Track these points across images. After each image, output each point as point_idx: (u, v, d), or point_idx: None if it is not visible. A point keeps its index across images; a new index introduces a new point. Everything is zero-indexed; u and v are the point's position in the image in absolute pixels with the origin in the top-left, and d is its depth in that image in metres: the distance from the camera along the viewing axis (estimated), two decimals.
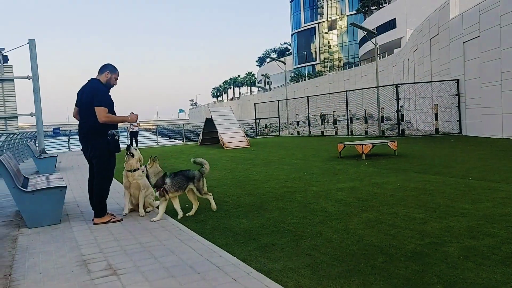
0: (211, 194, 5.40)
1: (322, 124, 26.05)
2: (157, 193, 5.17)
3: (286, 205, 5.62)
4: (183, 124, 27.84)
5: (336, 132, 24.13)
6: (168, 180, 5.18)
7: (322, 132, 25.38)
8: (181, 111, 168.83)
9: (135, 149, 5.51)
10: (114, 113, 5.10)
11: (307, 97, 26.58)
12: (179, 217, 5.11)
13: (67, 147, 22.53)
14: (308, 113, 26.23)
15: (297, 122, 27.68)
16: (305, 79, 70.97)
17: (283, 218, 4.93)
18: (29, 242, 4.45)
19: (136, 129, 20.85)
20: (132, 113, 5.27)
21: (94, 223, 5.10)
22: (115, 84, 5.30)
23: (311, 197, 6.10)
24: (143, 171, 5.33)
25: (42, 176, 6.53)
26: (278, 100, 30.26)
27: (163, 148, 19.78)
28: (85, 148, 5.17)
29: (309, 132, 26.23)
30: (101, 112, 4.93)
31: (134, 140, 20.69)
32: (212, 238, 4.27)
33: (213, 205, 5.42)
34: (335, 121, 24.47)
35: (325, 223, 4.62)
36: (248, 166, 10.45)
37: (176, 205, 5.26)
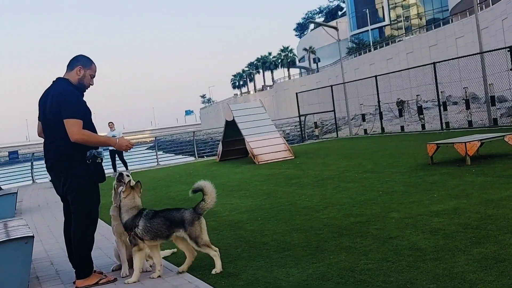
0: (216, 249, 5.23)
1: (401, 115, 25.79)
2: (128, 238, 5.28)
3: (355, 243, 5.61)
4: (193, 131, 28.33)
5: (423, 126, 23.83)
6: (141, 222, 5.19)
7: (402, 127, 25.13)
8: (188, 112, 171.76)
9: (128, 175, 5.62)
10: (92, 127, 5.24)
11: (375, 76, 26.40)
12: (131, 281, 5.16)
13: (30, 178, 23.33)
14: (379, 101, 26.05)
15: (363, 116, 27.54)
16: (369, 50, 70.52)
17: (353, 263, 4.91)
18: None
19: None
20: (122, 137, 5.38)
21: (77, 287, 5.19)
22: (92, 84, 5.47)
23: (392, 228, 6.07)
24: (121, 195, 5.35)
25: None
26: (331, 86, 30.25)
27: (166, 170, 20.18)
28: (56, 179, 5.31)
29: (382, 129, 26.00)
30: (73, 127, 5.02)
31: (119, 161, 21.05)
32: None
33: (218, 266, 5.17)
34: (420, 110, 24.17)
35: (417, 267, 4.58)
36: (294, 187, 10.48)
37: (156, 258, 5.28)
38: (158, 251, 5.38)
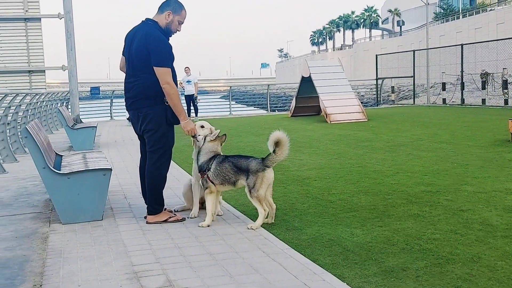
0: (266, 209, 5.18)
1: (483, 88, 24.80)
2: (200, 181, 5.39)
3: (424, 212, 5.58)
4: (268, 85, 28.26)
5: (506, 102, 22.85)
6: (213, 165, 5.30)
7: (483, 100, 24.20)
8: (264, 65, 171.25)
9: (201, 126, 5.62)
10: (174, 72, 5.36)
11: (461, 45, 25.40)
12: (205, 224, 5.21)
13: (109, 115, 24.16)
14: (462, 71, 25.10)
15: (443, 84, 26.69)
16: (457, 17, 67.67)
17: (420, 231, 4.89)
18: (64, 243, 4.89)
19: (191, 90, 21.19)
20: (189, 121, 5.32)
21: (147, 222, 5.44)
22: (179, 30, 5.53)
23: (463, 201, 5.99)
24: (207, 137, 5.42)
25: (79, 154, 7.12)
26: (413, 50, 29.35)
27: (238, 120, 20.44)
28: (134, 117, 5.48)
29: (462, 100, 25.17)
30: (165, 76, 5.19)
31: (192, 107, 21.34)
32: (311, 254, 4.37)
33: (256, 224, 5.14)
34: (505, 84, 23.14)
35: (486, 242, 4.52)
36: (365, 150, 10.44)
37: (210, 204, 5.26)
38: (216, 199, 5.46)
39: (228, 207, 6.04)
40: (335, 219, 5.39)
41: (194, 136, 5.43)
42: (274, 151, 5.10)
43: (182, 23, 5.50)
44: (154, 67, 5.17)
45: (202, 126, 5.52)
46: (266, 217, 5.23)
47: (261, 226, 5.15)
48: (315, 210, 5.82)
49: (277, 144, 5.12)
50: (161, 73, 5.18)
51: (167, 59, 5.23)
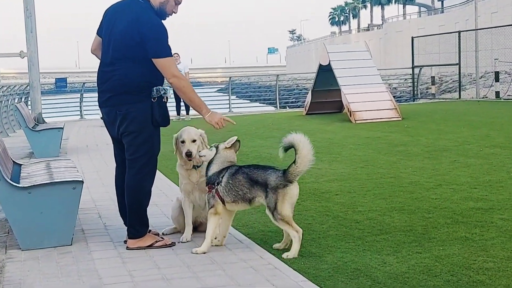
0: (299, 229, 5.10)
1: None
2: (206, 196, 5.35)
3: (473, 234, 5.51)
4: (277, 75, 28.23)
5: None
6: (224, 178, 5.24)
7: None
8: (272, 50, 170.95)
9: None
10: None
11: None
12: (200, 250, 5.18)
13: (79, 113, 24.11)
14: None
15: (496, 74, 26.59)
16: None
17: (468, 259, 4.83)
18: (24, 273, 4.80)
19: None
20: (215, 113, 5.35)
21: (128, 247, 5.37)
22: (175, 12, 5.56)
23: None
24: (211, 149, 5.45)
25: (42, 163, 7.06)
26: (458, 31, 29.26)
27: (239, 119, 19.95)
28: (110, 116, 5.43)
29: None
30: (171, 68, 5.27)
31: (182, 103, 21.30)
32: (332, 287, 4.32)
33: (293, 251, 5.03)
34: None
35: None
36: (398, 157, 10.38)
37: (212, 227, 5.22)
38: (230, 219, 5.45)
39: (230, 229, 5.85)
40: (362, 244, 5.33)
41: (191, 155, 5.45)
42: (294, 161, 5.04)
43: (180, 2, 5.52)
44: (154, 59, 5.19)
45: (194, 140, 5.54)
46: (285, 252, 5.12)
47: (269, 252, 5.13)
48: (337, 232, 5.77)
49: (295, 149, 5.04)
50: (165, 64, 5.22)
51: (168, 47, 5.27)
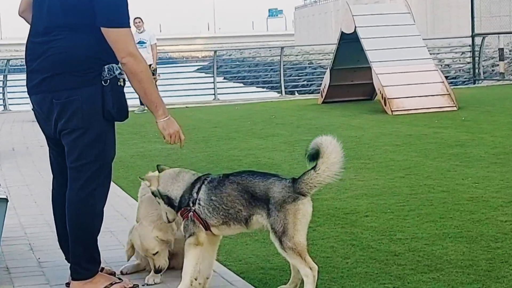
0: (314, 266, 4.34)
1: None
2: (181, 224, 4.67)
3: None
4: (281, 48, 25.64)
5: None
6: (203, 194, 4.42)
7: None
8: (274, 13, 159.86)
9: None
10: None
11: None
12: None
13: (1, 102, 21.87)
14: None
15: None
16: None
17: None
18: None
19: (146, 58, 20.40)
20: (171, 120, 4.64)
21: None
22: None
23: None
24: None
25: None
26: None
27: (228, 110, 18.97)
28: (44, 106, 4.70)
29: None
30: (124, 43, 4.57)
31: None
32: None
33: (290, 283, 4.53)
34: None
35: None
36: (453, 162, 9.41)
37: (190, 264, 4.50)
38: (214, 252, 4.72)
39: (216, 265, 5.05)
40: (403, 285, 4.62)
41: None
42: (314, 167, 4.26)
43: None
44: (105, 29, 4.47)
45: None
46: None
47: None
48: (367, 269, 5.00)
49: (319, 152, 4.33)
50: (119, 37, 4.50)
51: (126, 14, 4.58)
